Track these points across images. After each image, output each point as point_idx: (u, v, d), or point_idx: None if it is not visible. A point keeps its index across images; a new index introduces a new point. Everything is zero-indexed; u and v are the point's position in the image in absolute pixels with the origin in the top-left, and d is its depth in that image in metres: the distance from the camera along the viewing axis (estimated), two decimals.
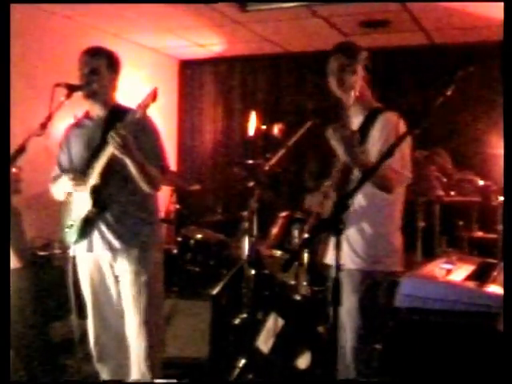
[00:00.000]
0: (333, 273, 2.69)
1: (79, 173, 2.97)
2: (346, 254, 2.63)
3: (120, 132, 2.72)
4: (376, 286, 2.57)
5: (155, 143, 3.02)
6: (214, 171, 6.93)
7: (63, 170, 3.12)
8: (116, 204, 2.98)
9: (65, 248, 3.15)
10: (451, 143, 5.60)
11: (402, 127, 2.65)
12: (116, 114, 2.91)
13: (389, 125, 2.60)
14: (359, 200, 2.66)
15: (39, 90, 4.28)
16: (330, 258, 2.71)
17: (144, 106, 2.73)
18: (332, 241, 2.68)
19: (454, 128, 5.82)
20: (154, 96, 2.72)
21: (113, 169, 2.91)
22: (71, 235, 3.03)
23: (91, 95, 2.98)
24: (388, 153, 2.18)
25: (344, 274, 2.62)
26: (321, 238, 2.74)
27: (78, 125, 3.15)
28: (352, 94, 2.66)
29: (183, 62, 7.08)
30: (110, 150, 2.81)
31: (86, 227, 2.99)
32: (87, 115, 3.13)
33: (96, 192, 2.94)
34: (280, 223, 4.27)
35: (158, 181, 2.99)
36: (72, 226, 3.02)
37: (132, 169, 2.85)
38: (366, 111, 2.71)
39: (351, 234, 2.67)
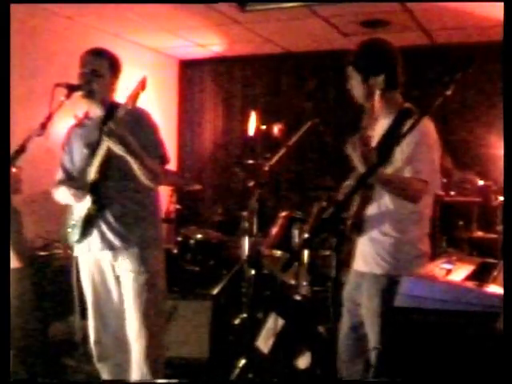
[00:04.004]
0: (353, 277, 2.70)
1: (79, 185, 2.97)
2: (371, 257, 2.61)
3: (111, 126, 2.72)
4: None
5: (153, 136, 3.01)
6: (214, 171, 6.93)
7: (66, 173, 3.13)
8: (116, 203, 2.98)
9: (65, 248, 3.16)
10: (451, 143, 5.60)
11: (433, 131, 2.58)
12: (112, 111, 2.90)
13: (419, 129, 2.39)
14: (386, 203, 2.59)
15: (39, 89, 4.28)
16: (358, 264, 2.67)
17: (134, 95, 2.72)
18: (359, 246, 2.67)
19: (453, 128, 5.82)
20: (142, 85, 2.72)
21: (113, 167, 2.92)
22: (74, 235, 3.04)
23: (90, 95, 2.98)
24: (387, 153, 2.17)
25: (369, 278, 2.61)
26: (345, 243, 2.67)
27: (78, 125, 3.16)
28: (369, 102, 2.58)
29: (183, 62, 7.08)
30: (105, 146, 2.81)
31: (87, 226, 2.99)
32: (87, 115, 3.14)
33: (95, 189, 2.94)
34: (280, 223, 4.27)
35: (159, 174, 2.98)
36: (74, 225, 3.03)
37: (131, 162, 2.84)
38: (394, 112, 2.62)
39: (378, 237, 2.60)
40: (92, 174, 2.93)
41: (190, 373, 3.98)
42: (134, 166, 2.85)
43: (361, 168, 2.42)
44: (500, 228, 4.53)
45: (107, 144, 2.79)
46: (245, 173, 4.50)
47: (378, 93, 2.54)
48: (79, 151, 3.08)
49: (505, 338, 1.70)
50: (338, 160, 2.83)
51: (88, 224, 2.99)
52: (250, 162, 4.54)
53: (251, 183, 3.97)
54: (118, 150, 2.78)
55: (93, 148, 2.97)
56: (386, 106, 2.63)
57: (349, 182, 2.73)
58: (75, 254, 3.09)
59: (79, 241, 3.03)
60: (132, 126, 2.84)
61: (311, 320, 3.74)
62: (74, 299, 3.02)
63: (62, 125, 3.24)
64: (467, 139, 5.84)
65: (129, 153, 2.80)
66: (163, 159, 3.03)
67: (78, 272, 3.10)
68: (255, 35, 5.84)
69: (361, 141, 2.41)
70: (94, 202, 2.94)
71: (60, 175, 3.17)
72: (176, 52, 6.74)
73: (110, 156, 2.86)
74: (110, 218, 2.97)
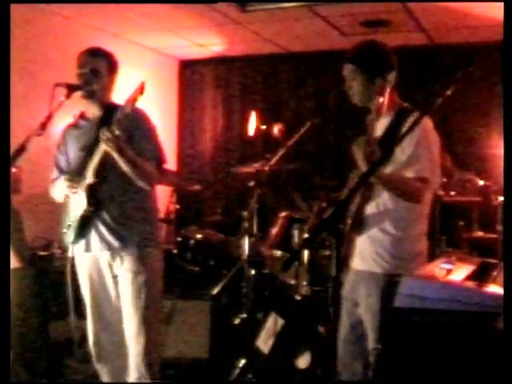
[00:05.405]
0: (351, 276, 2.70)
1: (75, 175, 2.97)
2: (369, 256, 2.61)
3: (110, 129, 2.73)
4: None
5: (150, 137, 3.02)
6: (214, 171, 6.93)
7: (61, 172, 3.13)
8: (114, 203, 2.98)
9: (64, 248, 3.16)
10: (451, 143, 5.60)
11: (432, 130, 2.58)
12: (110, 113, 2.91)
13: (419, 128, 2.38)
14: (385, 201, 2.58)
15: (39, 90, 4.28)
16: (356, 263, 2.67)
17: (132, 100, 2.73)
18: (357, 244, 2.66)
19: (453, 128, 5.82)
20: (141, 89, 2.73)
21: (110, 167, 2.92)
22: (69, 236, 3.03)
23: (90, 95, 2.98)
24: (388, 153, 2.17)
25: (368, 277, 2.60)
26: (344, 242, 2.66)
27: (74, 126, 3.16)
28: (375, 102, 2.54)
29: (183, 62, 7.08)
30: (103, 147, 2.82)
31: (83, 227, 2.99)
32: (83, 116, 3.14)
33: (91, 191, 2.94)
34: (280, 223, 4.27)
35: (153, 176, 2.99)
36: (70, 226, 3.02)
37: (123, 165, 2.85)
38: (393, 111, 2.62)
39: (376, 236, 2.60)
40: (89, 176, 2.93)
41: (190, 373, 3.98)
42: (127, 169, 2.86)
43: (364, 168, 2.41)
44: (500, 228, 4.52)
45: (104, 147, 2.80)
46: (245, 173, 4.50)
47: (388, 91, 2.54)
48: (75, 152, 3.08)
49: (505, 337, 1.70)
50: (339, 159, 2.83)
51: (84, 225, 2.98)
52: (250, 162, 4.54)
53: (251, 183, 3.97)
54: (112, 152, 2.79)
55: (88, 150, 2.97)
56: (385, 106, 2.62)
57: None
58: (72, 254, 3.08)
59: (75, 242, 3.02)
60: (129, 127, 2.84)
61: (311, 320, 3.74)
62: (68, 300, 3.02)
63: (62, 125, 3.24)
64: (467, 139, 5.84)
65: (121, 156, 2.81)
66: (160, 161, 3.03)
67: (73, 273, 3.10)
68: (255, 35, 5.84)
69: (367, 141, 2.40)
70: (91, 203, 2.94)
71: (55, 175, 3.17)
72: (176, 52, 6.73)
73: (106, 158, 2.87)
74: (108, 219, 2.97)
